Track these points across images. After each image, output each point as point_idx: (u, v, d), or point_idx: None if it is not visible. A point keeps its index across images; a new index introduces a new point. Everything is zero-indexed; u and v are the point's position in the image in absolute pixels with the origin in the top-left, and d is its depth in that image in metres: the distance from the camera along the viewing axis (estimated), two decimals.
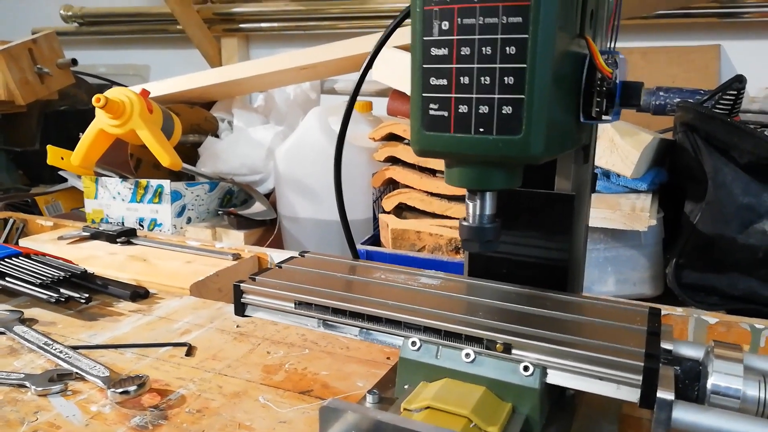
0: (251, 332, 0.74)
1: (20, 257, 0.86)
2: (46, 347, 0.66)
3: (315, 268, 0.56)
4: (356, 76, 0.65)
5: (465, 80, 0.37)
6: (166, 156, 1.14)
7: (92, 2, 2.30)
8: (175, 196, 1.27)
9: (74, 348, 0.67)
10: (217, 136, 1.48)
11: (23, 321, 0.74)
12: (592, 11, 0.44)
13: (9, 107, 1.60)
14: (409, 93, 0.39)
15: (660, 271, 0.98)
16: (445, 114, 0.38)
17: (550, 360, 0.40)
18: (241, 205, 1.40)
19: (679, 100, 1.17)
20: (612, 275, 1.00)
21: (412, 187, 1.11)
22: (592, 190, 0.59)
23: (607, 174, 1.02)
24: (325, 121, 1.19)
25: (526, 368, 0.40)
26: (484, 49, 0.36)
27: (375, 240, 1.15)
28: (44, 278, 0.80)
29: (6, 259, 0.84)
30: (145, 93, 1.17)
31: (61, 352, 0.65)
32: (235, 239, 1.23)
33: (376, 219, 1.22)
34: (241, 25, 2.11)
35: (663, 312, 0.79)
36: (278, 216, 1.24)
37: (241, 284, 0.51)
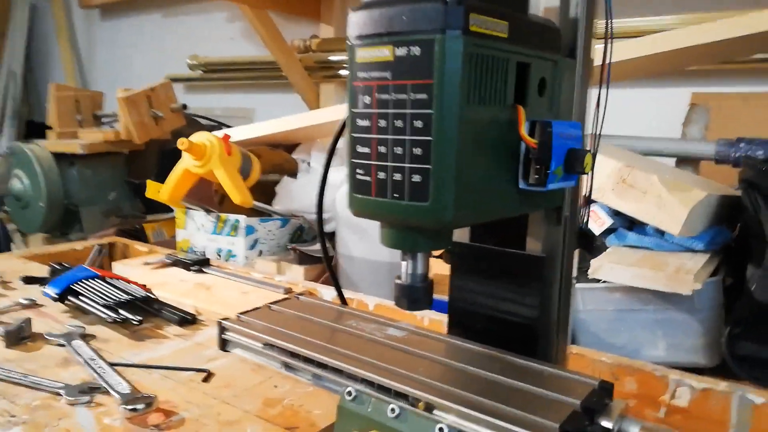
0: (270, 364, 0.78)
1: (96, 279, 0.99)
2: (90, 362, 0.76)
3: (300, 312, 0.60)
4: None
5: (382, 149, 0.40)
6: (237, 194, 1.25)
7: (214, 52, 2.58)
8: (249, 230, 1.38)
9: (112, 365, 0.76)
10: (296, 176, 1.59)
11: (83, 336, 0.85)
12: (543, 80, 0.45)
13: (130, 145, 1.84)
14: None
15: (717, 339, 0.90)
16: (368, 179, 0.41)
17: (465, 425, 0.41)
18: (310, 241, 1.48)
19: (761, 152, 1.08)
20: (662, 339, 0.93)
21: None
22: (588, 250, 0.58)
23: (661, 231, 0.96)
24: None
25: (441, 430, 0.41)
26: (396, 122, 0.39)
27: None
28: (108, 299, 0.91)
29: (84, 281, 0.97)
30: (226, 137, 1.29)
31: (100, 367, 0.75)
32: (296, 273, 1.31)
33: None
34: (339, 72, 2.25)
35: (703, 385, 0.73)
36: (335, 254, 1.30)
37: (224, 321, 0.57)
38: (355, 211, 0.42)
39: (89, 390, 0.69)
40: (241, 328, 0.55)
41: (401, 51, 0.37)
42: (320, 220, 0.60)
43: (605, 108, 0.53)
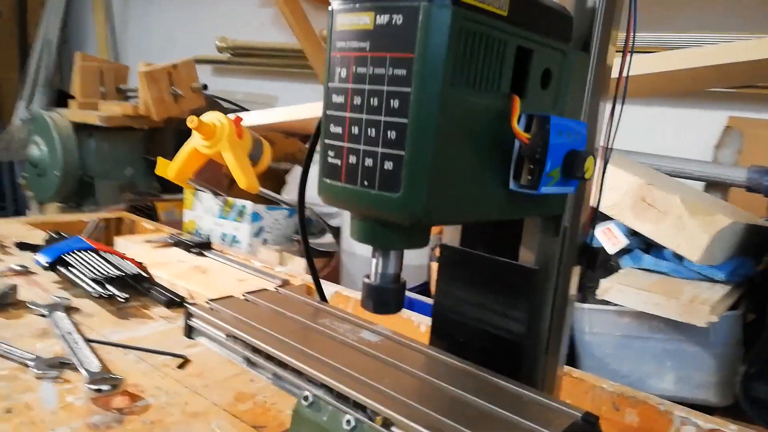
0: (233, 358, 0.75)
1: (90, 252, 0.96)
2: (67, 336, 0.74)
3: (275, 305, 0.56)
4: None
5: (355, 130, 0.35)
6: (243, 178, 1.22)
7: (243, 37, 2.57)
8: (255, 217, 1.35)
9: (89, 341, 0.73)
10: None
11: (67, 309, 0.83)
12: (548, 71, 0.40)
13: (148, 122, 1.83)
14: None
15: (731, 377, 0.83)
16: (338, 162, 0.37)
17: None
18: (317, 234, 1.45)
19: None
20: (671, 372, 0.87)
21: None
22: (590, 267, 0.53)
23: (680, 256, 0.90)
24: None
25: None
26: (372, 100, 0.34)
27: (425, 288, 1.12)
28: (98, 274, 0.89)
29: (78, 252, 0.95)
30: (237, 120, 1.26)
31: (75, 342, 0.72)
32: (297, 265, 1.27)
33: None
34: None
35: (710, 425, 0.67)
36: (339, 250, 1.26)
37: (190, 307, 0.53)
38: (324, 197, 0.38)
39: (59, 365, 0.66)
40: (207, 316, 0.51)
41: (382, 19, 0.33)
42: (302, 210, 0.56)
43: (620, 115, 0.48)
